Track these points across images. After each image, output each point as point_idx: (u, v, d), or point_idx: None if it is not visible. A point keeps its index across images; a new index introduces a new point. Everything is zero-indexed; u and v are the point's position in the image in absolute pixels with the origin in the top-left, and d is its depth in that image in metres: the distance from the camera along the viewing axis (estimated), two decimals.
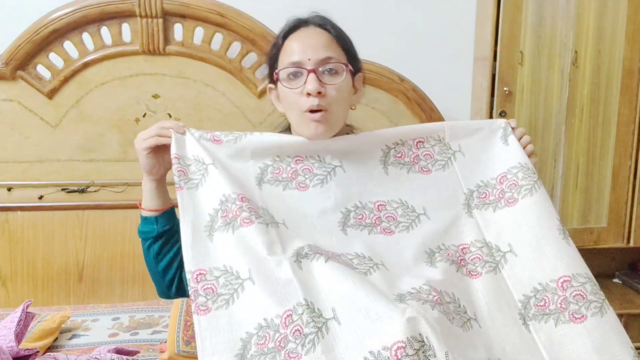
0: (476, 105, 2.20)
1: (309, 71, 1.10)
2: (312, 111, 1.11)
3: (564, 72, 2.04)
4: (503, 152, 1.21)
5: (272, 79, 1.19)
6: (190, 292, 0.99)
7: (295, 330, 0.91)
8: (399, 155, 1.19)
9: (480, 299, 1.06)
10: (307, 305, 0.93)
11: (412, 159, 1.20)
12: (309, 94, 1.09)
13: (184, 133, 1.13)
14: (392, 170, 1.18)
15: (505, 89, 2.03)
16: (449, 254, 1.10)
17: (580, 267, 1.08)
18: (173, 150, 1.10)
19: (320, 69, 1.11)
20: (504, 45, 2.00)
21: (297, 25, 1.17)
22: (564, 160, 2.10)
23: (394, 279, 1.01)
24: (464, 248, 1.13)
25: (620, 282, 2.36)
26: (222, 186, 1.07)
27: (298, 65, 1.11)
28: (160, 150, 1.13)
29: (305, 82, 1.10)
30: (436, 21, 2.20)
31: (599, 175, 2.12)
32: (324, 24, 1.17)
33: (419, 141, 1.21)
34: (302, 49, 1.12)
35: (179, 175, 1.08)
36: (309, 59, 1.10)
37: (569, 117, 2.07)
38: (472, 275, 1.09)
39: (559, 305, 1.04)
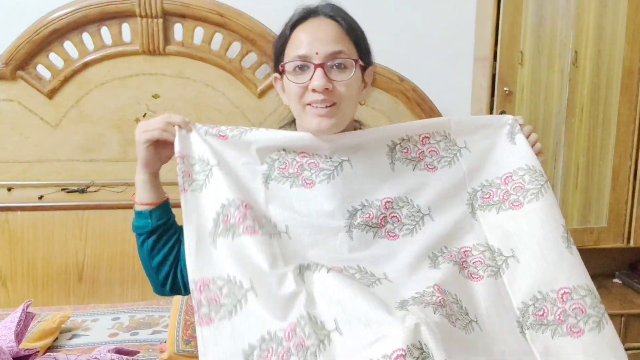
0: (476, 105, 2.20)
1: (316, 66, 1.04)
2: (316, 106, 1.06)
3: (564, 72, 2.04)
4: (509, 151, 1.17)
5: (278, 69, 1.13)
6: (193, 303, 0.97)
7: (298, 344, 0.91)
8: (405, 150, 1.15)
9: (481, 302, 1.05)
10: (310, 317, 0.92)
11: (417, 155, 1.16)
12: (314, 90, 1.04)
13: (190, 130, 1.09)
14: (399, 166, 1.14)
15: (505, 89, 2.03)
16: (451, 255, 1.08)
17: (581, 279, 1.06)
18: (177, 149, 1.07)
19: (328, 63, 1.05)
20: (504, 45, 2.00)
21: (306, 15, 1.10)
22: (564, 160, 2.10)
23: (397, 289, 1.00)
24: (465, 251, 1.11)
25: (620, 282, 2.36)
26: (226, 190, 1.04)
27: (305, 59, 1.05)
28: (160, 144, 1.09)
29: (311, 78, 1.04)
30: (436, 21, 2.20)
31: (599, 175, 2.12)
32: (335, 14, 1.09)
33: (425, 137, 1.17)
34: (310, 41, 1.06)
35: (183, 176, 1.06)
36: (317, 53, 1.04)
37: (569, 117, 2.07)
38: (473, 278, 1.08)
39: (557, 317, 1.03)
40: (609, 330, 1.03)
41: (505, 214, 1.13)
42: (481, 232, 1.13)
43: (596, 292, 1.06)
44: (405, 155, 1.15)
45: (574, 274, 1.06)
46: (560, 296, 1.04)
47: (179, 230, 1.15)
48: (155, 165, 1.11)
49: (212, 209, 1.04)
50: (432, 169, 1.16)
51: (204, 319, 0.96)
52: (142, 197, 1.12)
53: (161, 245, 1.13)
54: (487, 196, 1.15)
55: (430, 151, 1.17)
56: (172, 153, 1.09)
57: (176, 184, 1.07)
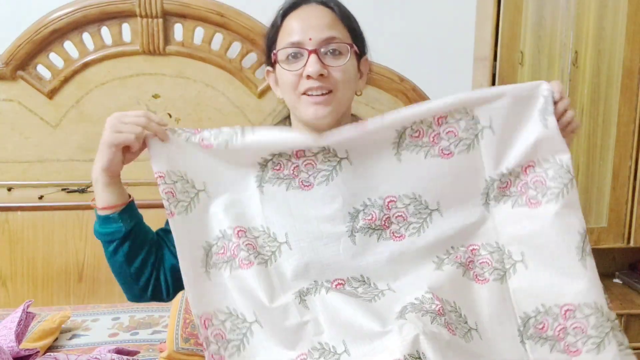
0: None
1: (310, 52, 1.00)
2: (311, 94, 1.02)
3: (564, 72, 2.04)
4: (539, 133, 1.00)
5: (270, 61, 1.08)
6: (201, 339, 0.97)
7: None
8: (416, 134, 1.02)
9: (484, 308, 1.02)
10: (322, 347, 0.93)
11: (431, 139, 1.02)
12: (309, 77, 1.00)
13: (167, 138, 0.98)
14: (406, 155, 1.03)
15: None
16: (457, 257, 1.04)
17: (590, 296, 0.99)
18: (155, 167, 0.96)
19: (322, 49, 1.01)
20: (504, 45, 2.00)
21: (297, 2, 1.07)
22: None
23: (398, 298, 0.99)
24: (473, 249, 1.05)
25: (621, 282, 2.36)
26: (216, 220, 1.00)
27: (298, 45, 1.02)
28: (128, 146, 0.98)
29: (305, 64, 1.01)
30: (436, 21, 2.20)
31: (599, 175, 2.12)
32: (327, 1, 1.06)
33: (441, 117, 1.02)
34: (302, 28, 1.02)
35: (168, 197, 0.96)
36: (310, 39, 1.01)
37: None
38: (478, 279, 1.04)
39: (557, 333, 1.00)
40: (610, 350, 0.98)
41: (521, 211, 1.03)
42: (493, 227, 1.04)
43: (606, 309, 0.99)
44: (415, 141, 1.03)
45: (582, 291, 1.00)
46: (563, 312, 1.00)
47: (150, 231, 1.08)
48: (118, 169, 1.00)
49: (201, 237, 1.00)
50: (448, 154, 1.03)
51: (214, 357, 0.96)
52: (107, 200, 1.00)
53: (138, 248, 1.04)
54: (505, 185, 1.04)
55: (447, 132, 1.03)
56: (138, 154, 1.01)
57: (142, 184, 1.01)
